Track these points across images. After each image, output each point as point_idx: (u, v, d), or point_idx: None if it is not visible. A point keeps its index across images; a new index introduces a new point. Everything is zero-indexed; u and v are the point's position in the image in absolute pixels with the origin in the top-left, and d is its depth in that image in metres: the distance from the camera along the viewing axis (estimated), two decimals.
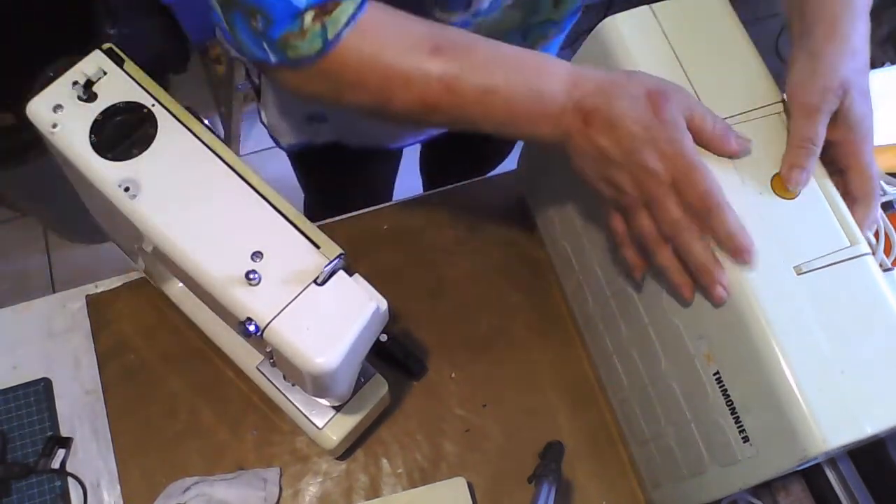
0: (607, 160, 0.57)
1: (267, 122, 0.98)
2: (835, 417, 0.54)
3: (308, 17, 0.56)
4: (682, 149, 0.55)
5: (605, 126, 0.56)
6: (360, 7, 0.57)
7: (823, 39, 0.60)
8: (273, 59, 0.58)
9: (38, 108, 0.62)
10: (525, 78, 0.58)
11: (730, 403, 0.60)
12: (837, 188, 0.60)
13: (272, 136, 1.00)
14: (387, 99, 0.60)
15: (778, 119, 0.62)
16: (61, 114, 0.61)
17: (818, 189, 0.60)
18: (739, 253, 0.56)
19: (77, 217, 1.66)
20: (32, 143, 1.38)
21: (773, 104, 0.62)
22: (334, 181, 1.10)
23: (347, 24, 0.57)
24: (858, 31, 0.60)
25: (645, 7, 0.65)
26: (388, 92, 0.59)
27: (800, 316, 0.56)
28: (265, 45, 0.57)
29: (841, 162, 0.61)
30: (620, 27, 0.64)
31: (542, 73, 0.59)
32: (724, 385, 0.60)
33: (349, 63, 0.58)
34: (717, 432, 0.62)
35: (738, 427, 0.60)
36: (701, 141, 0.58)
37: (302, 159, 1.08)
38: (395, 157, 1.17)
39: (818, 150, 0.59)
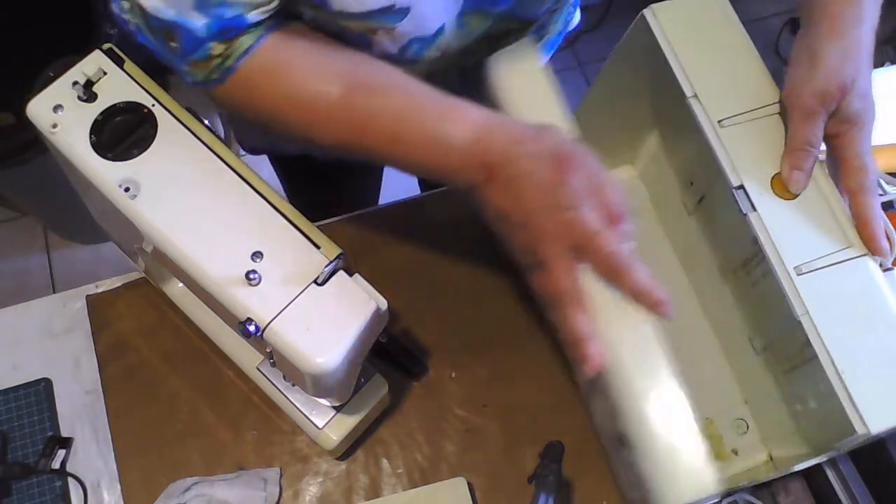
0: (506, 220, 0.57)
1: (228, 121, 0.97)
2: None
3: (215, 49, 0.58)
4: (581, 216, 0.54)
5: (507, 187, 0.56)
6: (258, 39, 0.59)
7: (824, 37, 0.60)
8: (188, 79, 0.61)
9: (38, 108, 0.62)
10: (430, 128, 0.58)
11: None
12: (836, 182, 0.60)
13: (236, 137, 0.99)
14: (307, 135, 0.62)
15: (777, 119, 0.62)
16: (61, 114, 0.61)
17: (818, 190, 0.59)
18: (656, 307, 0.55)
19: (77, 217, 1.66)
20: (32, 143, 1.38)
21: (772, 104, 0.62)
22: (312, 190, 1.10)
23: (244, 54, 0.59)
24: (861, 28, 0.60)
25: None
26: (307, 131, 0.62)
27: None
28: (180, 67, 0.60)
29: (836, 153, 0.61)
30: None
31: (448, 121, 0.58)
32: None
33: (252, 96, 0.61)
34: None
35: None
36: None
37: (278, 163, 1.08)
38: (375, 172, 1.16)
39: (816, 153, 0.59)
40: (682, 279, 0.83)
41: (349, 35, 0.63)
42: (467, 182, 0.58)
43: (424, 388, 0.83)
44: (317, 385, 0.61)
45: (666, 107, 0.71)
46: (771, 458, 0.75)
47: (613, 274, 0.55)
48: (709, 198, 0.74)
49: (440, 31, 0.67)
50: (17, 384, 0.82)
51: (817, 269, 0.57)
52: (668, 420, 0.54)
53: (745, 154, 0.59)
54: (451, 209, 0.91)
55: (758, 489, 0.77)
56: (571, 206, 0.54)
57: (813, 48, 0.60)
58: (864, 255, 0.58)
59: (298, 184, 1.11)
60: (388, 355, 0.81)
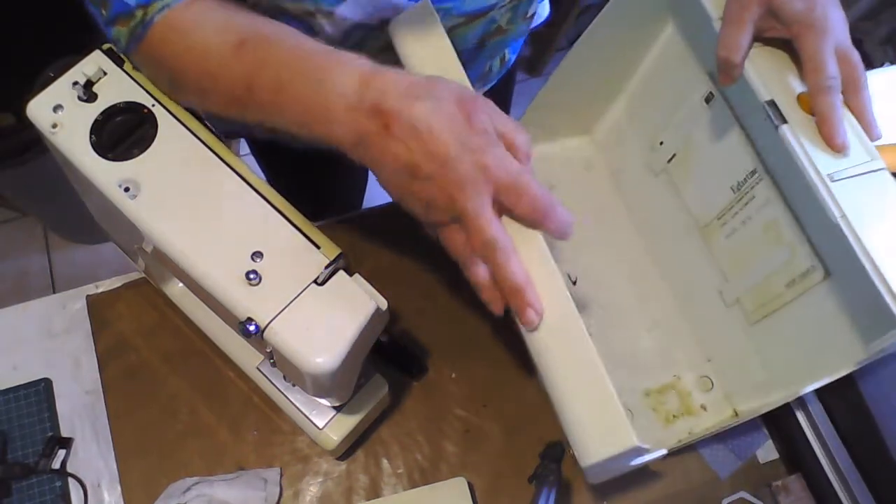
0: (413, 173, 0.52)
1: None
2: None
3: (138, 12, 0.58)
4: (501, 158, 0.51)
5: (410, 133, 0.51)
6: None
7: None
8: (119, 46, 0.61)
9: (38, 109, 0.62)
10: (313, 74, 0.54)
11: None
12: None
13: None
14: (203, 94, 0.60)
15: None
16: (61, 114, 0.61)
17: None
18: (565, 235, 0.54)
19: (77, 217, 1.66)
20: (33, 144, 1.38)
21: None
22: (293, 180, 1.09)
23: (159, 11, 0.58)
24: None
25: None
26: (203, 88, 0.59)
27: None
28: (110, 33, 0.61)
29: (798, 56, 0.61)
30: None
31: (333, 69, 0.54)
32: None
33: (162, 54, 0.60)
34: None
35: None
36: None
37: (257, 149, 1.06)
38: (357, 168, 1.14)
39: (740, 55, 0.61)
40: (639, 243, 0.85)
41: (290, 18, 0.62)
42: (356, 134, 0.53)
43: (424, 388, 0.83)
44: (317, 385, 0.61)
45: (661, 46, 0.73)
46: (736, 414, 0.76)
47: (540, 215, 0.52)
48: (682, 153, 0.75)
49: (385, 23, 0.66)
50: (17, 384, 0.82)
51: (847, 178, 0.58)
52: (583, 376, 0.54)
53: (773, 73, 0.61)
54: None
55: (759, 489, 0.77)
56: (489, 146, 0.51)
57: None
58: (882, 168, 0.59)
59: (276, 172, 1.10)
60: (388, 355, 0.81)
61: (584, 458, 0.53)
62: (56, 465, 0.79)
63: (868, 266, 0.55)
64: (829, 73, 0.59)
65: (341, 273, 0.58)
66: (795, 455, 0.77)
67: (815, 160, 0.58)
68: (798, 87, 0.61)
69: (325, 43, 0.58)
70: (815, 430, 0.74)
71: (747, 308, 0.74)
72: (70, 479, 0.78)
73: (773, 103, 0.60)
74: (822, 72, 0.59)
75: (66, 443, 0.80)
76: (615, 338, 0.81)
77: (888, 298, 0.54)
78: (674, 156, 0.77)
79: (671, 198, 0.80)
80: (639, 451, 0.54)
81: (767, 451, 0.80)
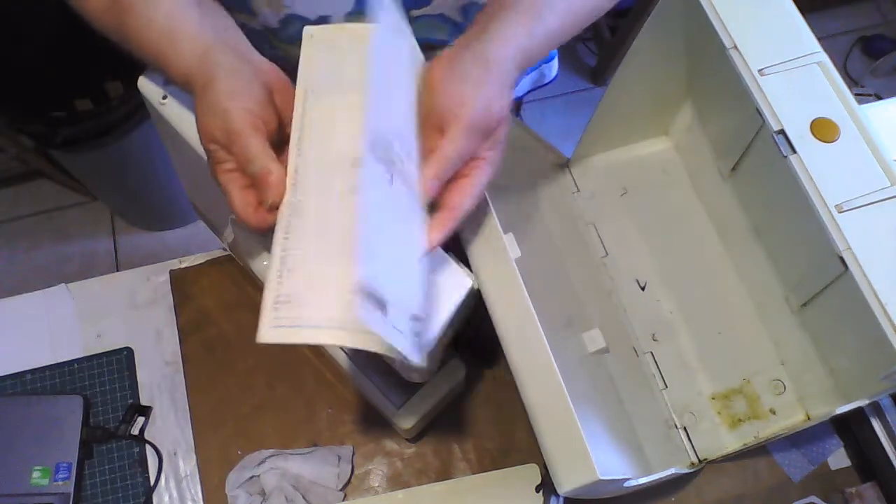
0: None
1: None
2: None
3: None
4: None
5: None
6: None
7: (498, 44, 0.55)
8: None
9: (149, 82, 0.64)
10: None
11: None
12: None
13: None
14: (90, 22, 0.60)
15: (817, 68, 0.63)
16: (171, 86, 0.64)
17: (859, 130, 0.60)
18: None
19: (143, 204, 1.70)
20: (108, 129, 1.42)
21: (810, 54, 0.63)
22: None
23: None
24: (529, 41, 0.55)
25: None
26: (90, 20, 0.60)
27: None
28: None
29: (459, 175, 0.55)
30: None
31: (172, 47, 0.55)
32: None
33: None
34: None
35: None
36: None
37: None
38: None
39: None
40: (717, 244, 0.85)
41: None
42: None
43: (497, 374, 0.83)
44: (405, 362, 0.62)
45: (703, 69, 0.73)
46: (808, 418, 0.76)
47: None
48: (743, 161, 0.75)
49: (325, 21, 0.67)
50: (100, 351, 0.84)
51: (858, 207, 0.58)
52: (553, 411, 0.56)
53: (786, 100, 0.61)
54: None
55: (828, 495, 0.76)
56: None
57: (486, 56, 0.54)
58: None
59: None
60: (464, 340, 0.82)
61: (559, 486, 0.56)
62: (135, 431, 0.81)
63: (873, 304, 0.55)
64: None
65: (438, 250, 0.59)
66: (869, 463, 0.76)
67: (822, 190, 0.58)
68: (811, 111, 0.61)
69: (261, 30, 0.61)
70: (892, 438, 0.73)
71: (809, 315, 0.73)
72: (147, 446, 0.80)
73: (782, 133, 0.60)
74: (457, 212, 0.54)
75: (146, 411, 0.82)
76: (684, 342, 0.81)
77: (889, 334, 0.55)
78: (737, 163, 0.77)
79: (740, 203, 0.80)
80: (615, 482, 0.56)
81: (839, 459, 0.79)
